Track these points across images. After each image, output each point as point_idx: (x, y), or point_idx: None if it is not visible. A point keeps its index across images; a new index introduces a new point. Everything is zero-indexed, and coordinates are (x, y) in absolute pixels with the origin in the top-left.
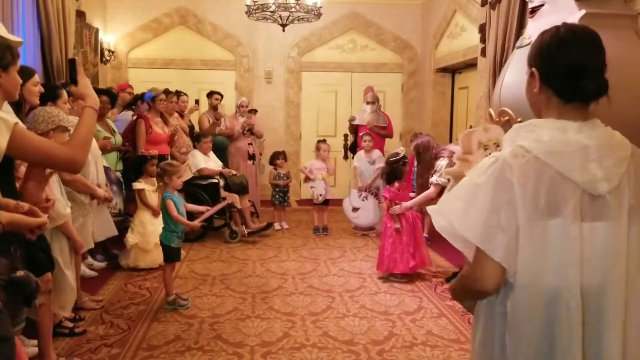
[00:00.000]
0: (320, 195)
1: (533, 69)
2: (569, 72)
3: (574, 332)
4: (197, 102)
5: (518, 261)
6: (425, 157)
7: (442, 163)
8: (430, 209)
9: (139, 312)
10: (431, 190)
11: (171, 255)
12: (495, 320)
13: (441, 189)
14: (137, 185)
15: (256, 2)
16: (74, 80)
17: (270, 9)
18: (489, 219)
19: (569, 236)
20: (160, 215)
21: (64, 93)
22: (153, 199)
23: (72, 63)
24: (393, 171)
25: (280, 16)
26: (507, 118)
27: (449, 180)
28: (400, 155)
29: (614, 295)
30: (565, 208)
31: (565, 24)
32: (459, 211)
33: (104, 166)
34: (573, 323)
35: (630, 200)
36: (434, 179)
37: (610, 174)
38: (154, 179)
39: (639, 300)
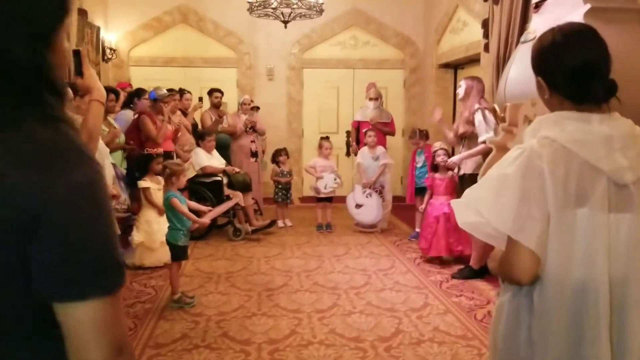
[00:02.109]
0: (337, 182)
1: (539, 78)
2: (573, 77)
3: (602, 321)
4: (200, 99)
5: (547, 251)
6: (473, 93)
7: (479, 117)
8: (455, 202)
9: (145, 311)
10: (482, 148)
11: (178, 253)
12: (521, 314)
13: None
14: (143, 183)
15: None
16: (79, 73)
17: (272, 6)
18: (520, 208)
19: (596, 226)
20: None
21: (69, 91)
22: (159, 197)
23: (76, 54)
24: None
25: (282, 13)
26: None
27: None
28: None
29: (636, 285)
30: (593, 197)
31: (560, 28)
32: (488, 202)
33: (111, 163)
34: (601, 312)
35: None
36: (482, 137)
37: (635, 163)
38: (159, 177)
39: None
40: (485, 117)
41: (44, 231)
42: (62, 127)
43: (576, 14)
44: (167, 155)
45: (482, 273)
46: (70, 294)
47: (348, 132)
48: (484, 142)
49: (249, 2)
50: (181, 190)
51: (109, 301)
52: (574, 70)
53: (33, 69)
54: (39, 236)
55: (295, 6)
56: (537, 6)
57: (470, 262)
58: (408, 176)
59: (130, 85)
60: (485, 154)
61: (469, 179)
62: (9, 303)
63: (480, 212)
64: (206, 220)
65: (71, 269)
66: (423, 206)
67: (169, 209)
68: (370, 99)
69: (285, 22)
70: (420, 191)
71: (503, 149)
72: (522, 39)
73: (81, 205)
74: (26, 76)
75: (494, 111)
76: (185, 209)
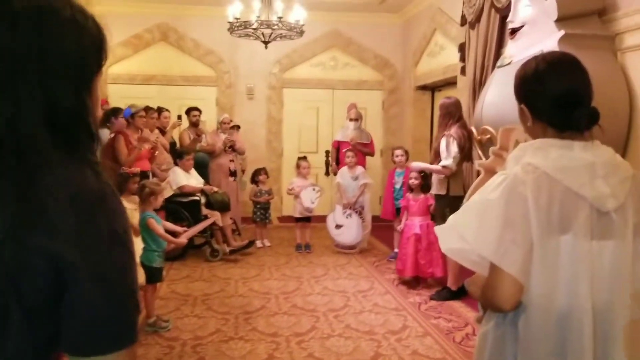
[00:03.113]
0: (317, 191)
1: (522, 105)
2: (556, 105)
3: (585, 349)
4: (179, 117)
5: (531, 279)
6: (446, 119)
7: (443, 143)
8: (439, 228)
9: None
10: (439, 169)
11: (153, 275)
12: (506, 343)
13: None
14: None
15: (239, 19)
16: None
17: (253, 27)
18: (504, 234)
19: (579, 253)
20: (140, 235)
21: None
22: (134, 217)
23: None
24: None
25: (262, 33)
26: (488, 136)
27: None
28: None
29: (620, 313)
30: (576, 224)
31: (543, 56)
32: (472, 227)
33: None
34: (585, 340)
35: (634, 218)
36: (442, 163)
37: (616, 191)
38: (135, 197)
39: None
40: (447, 145)
41: (81, 281)
42: (99, 171)
43: (551, 40)
44: (144, 174)
45: (459, 294)
46: (111, 345)
47: (327, 152)
48: (443, 165)
49: (229, 22)
50: (157, 210)
51: (135, 348)
52: (557, 98)
53: (74, 112)
54: (77, 286)
55: (275, 27)
56: (513, 32)
57: (447, 283)
58: (385, 193)
59: (107, 102)
60: (451, 174)
61: (436, 198)
62: (36, 351)
63: (464, 237)
64: (183, 240)
65: (110, 320)
66: (401, 226)
67: (144, 230)
68: (351, 120)
69: (266, 43)
70: (399, 211)
71: (491, 173)
72: (498, 64)
73: (118, 255)
74: (68, 119)
75: (469, 134)
76: (161, 230)
